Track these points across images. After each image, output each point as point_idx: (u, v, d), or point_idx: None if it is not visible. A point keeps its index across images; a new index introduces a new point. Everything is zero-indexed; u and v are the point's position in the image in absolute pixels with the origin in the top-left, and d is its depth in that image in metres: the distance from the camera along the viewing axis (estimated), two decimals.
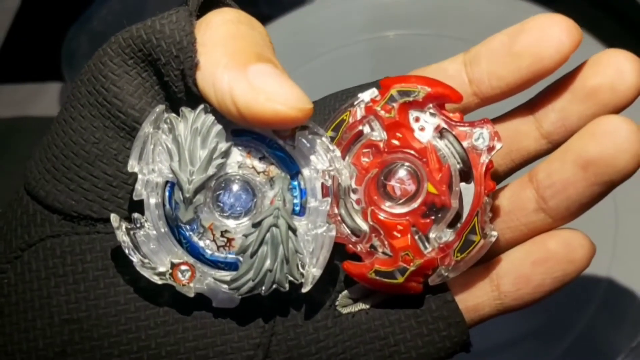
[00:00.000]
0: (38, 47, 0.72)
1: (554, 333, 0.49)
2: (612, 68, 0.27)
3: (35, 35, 0.73)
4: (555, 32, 0.26)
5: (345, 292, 0.29)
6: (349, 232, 0.28)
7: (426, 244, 0.27)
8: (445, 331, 0.28)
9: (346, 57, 0.62)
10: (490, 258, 0.28)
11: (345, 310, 0.28)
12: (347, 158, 0.28)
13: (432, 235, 0.27)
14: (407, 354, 0.28)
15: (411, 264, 0.27)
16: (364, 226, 0.28)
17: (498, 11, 0.61)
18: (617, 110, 0.27)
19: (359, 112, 0.28)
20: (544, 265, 0.27)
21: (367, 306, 0.28)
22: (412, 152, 0.27)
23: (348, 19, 0.64)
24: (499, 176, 0.29)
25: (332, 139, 0.28)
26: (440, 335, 0.28)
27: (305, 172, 0.27)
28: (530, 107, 0.29)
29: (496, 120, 0.29)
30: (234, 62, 0.25)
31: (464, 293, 0.28)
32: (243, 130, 0.27)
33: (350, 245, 0.28)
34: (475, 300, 0.28)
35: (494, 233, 0.27)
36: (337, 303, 0.28)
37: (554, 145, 0.28)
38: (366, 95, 0.28)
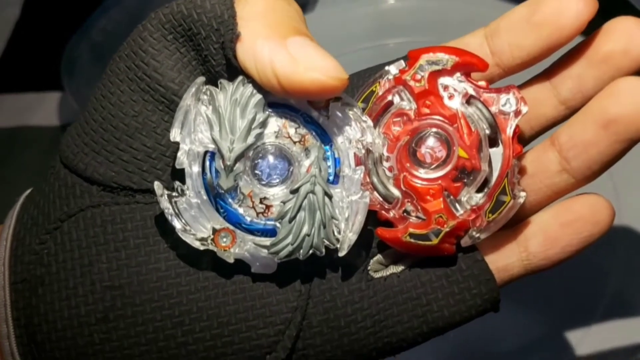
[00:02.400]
0: (38, 56, 0.73)
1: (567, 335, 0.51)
2: (624, 33, 0.29)
3: (35, 45, 0.74)
4: (572, 3, 0.28)
5: (376, 257, 0.30)
6: (382, 199, 0.29)
7: (458, 206, 0.29)
8: (475, 289, 0.29)
9: (347, 65, 0.64)
10: (516, 221, 0.30)
11: (377, 275, 0.30)
12: (378, 127, 0.30)
13: (463, 198, 0.29)
14: (439, 313, 0.29)
15: (445, 225, 0.28)
16: (396, 192, 0.29)
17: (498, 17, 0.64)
18: (631, 72, 0.29)
19: (388, 83, 0.30)
20: (572, 227, 0.29)
21: (399, 270, 0.30)
22: (442, 118, 0.29)
23: (348, 28, 0.65)
24: (520, 140, 0.31)
25: (362, 109, 0.30)
26: (471, 293, 0.29)
27: (339, 141, 0.29)
28: (547, 75, 0.31)
29: None
30: (274, 35, 0.27)
31: (493, 254, 0.30)
32: (278, 103, 0.29)
33: (383, 212, 0.29)
34: (504, 260, 0.30)
35: (523, 193, 0.28)
36: (369, 268, 0.30)
37: (571, 111, 0.30)
38: (394, 68, 0.30)
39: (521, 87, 0.31)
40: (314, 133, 0.29)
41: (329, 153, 0.29)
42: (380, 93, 0.29)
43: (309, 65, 0.26)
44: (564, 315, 0.51)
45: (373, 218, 0.29)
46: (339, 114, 0.29)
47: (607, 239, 0.30)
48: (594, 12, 0.28)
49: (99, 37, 0.72)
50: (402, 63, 0.30)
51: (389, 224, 0.29)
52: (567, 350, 0.50)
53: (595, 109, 0.29)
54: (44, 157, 0.66)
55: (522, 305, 0.50)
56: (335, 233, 0.28)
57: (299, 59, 0.26)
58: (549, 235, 0.30)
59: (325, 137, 0.29)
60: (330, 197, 0.28)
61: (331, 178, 0.29)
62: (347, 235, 0.28)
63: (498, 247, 0.30)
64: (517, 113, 0.28)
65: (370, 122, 0.29)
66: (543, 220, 0.30)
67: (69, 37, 0.69)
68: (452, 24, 0.64)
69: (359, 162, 0.29)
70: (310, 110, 0.29)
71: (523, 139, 0.31)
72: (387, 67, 0.30)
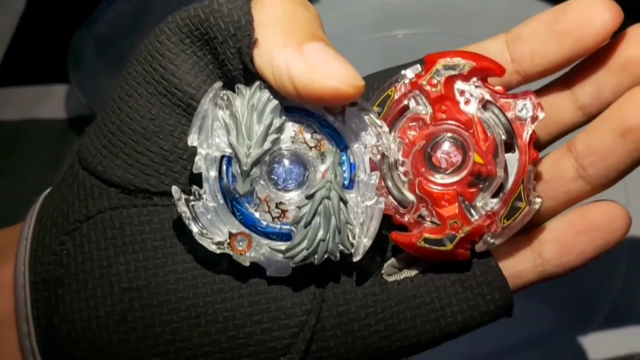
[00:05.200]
0: (44, 49, 0.74)
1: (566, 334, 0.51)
2: None
3: (41, 38, 0.75)
4: (598, 13, 0.29)
5: (390, 261, 0.31)
6: (396, 203, 0.30)
7: (473, 211, 0.30)
8: (489, 295, 0.30)
9: (353, 57, 0.64)
10: (530, 227, 0.31)
11: (391, 279, 0.31)
12: (393, 132, 0.30)
13: (478, 203, 0.30)
14: (453, 318, 0.30)
15: (460, 231, 0.29)
16: (411, 197, 0.30)
17: (506, 9, 0.63)
18: None
19: (404, 87, 0.30)
20: (587, 234, 0.30)
21: (413, 274, 0.31)
22: (458, 124, 0.30)
23: (355, 19, 0.66)
24: (537, 146, 0.32)
25: (378, 114, 0.30)
26: (485, 299, 0.30)
27: (355, 146, 0.30)
28: (566, 80, 0.31)
29: None
30: (291, 41, 0.28)
31: (507, 260, 0.31)
32: (295, 107, 0.29)
33: (398, 216, 0.30)
34: (518, 267, 0.31)
35: (538, 200, 0.29)
36: (382, 272, 0.31)
37: (589, 117, 0.31)
38: (410, 72, 0.30)
39: (539, 92, 0.32)
40: (329, 138, 0.30)
41: (344, 158, 0.30)
42: (396, 97, 0.30)
43: (326, 72, 0.27)
44: (567, 313, 0.52)
45: (387, 222, 0.30)
46: (355, 119, 0.30)
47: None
48: (619, 22, 0.29)
49: (105, 30, 0.73)
50: (418, 67, 0.30)
51: (403, 227, 0.30)
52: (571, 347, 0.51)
53: (613, 117, 0.29)
54: (51, 149, 0.67)
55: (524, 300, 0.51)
56: (350, 238, 0.29)
57: (316, 66, 0.27)
58: (564, 242, 0.30)
59: (341, 141, 0.30)
60: (345, 202, 0.29)
61: (346, 183, 0.30)
62: (361, 240, 0.29)
63: (512, 253, 0.31)
64: (534, 119, 0.29)
65: (385, 128, 0.30)
66: (558, 227, 0.31)
67: (74, 30, 0.70)
68: (460, 14, 0.64)
69: (374, 167, 0.30)
70: (326, 114, 0.29)
71: (540, 143, 0.32)
72: (403, 71, 0.30)
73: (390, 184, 0.30)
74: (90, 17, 0.71)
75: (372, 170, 0.30)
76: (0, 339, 0.32)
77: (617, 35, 0.30)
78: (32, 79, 0.72)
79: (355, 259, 0.29)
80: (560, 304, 0.52)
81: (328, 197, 0.29)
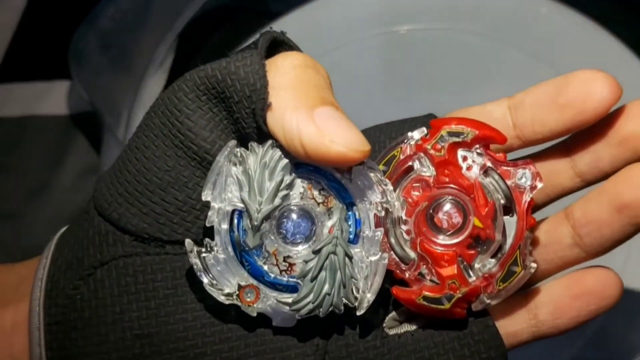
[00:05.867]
0: (46, 45, 0.74)
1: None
2: None
3: (42, 34, 0.75)
4: (598, 88, 0.30)
5: (391, 314, 0.32)
6: (398, 259, 0.32)
7: (471, 272, 0.31)
8: (485, 353, 0.32)
9: (357, 52, 0.64)
10: (526, 286, 0.32)
11: (391, 332, 0.32)
12: (397, 191, 0.32)
13: (476, 265, 0.31)
14: None
15: (457, 291, 0.31)
16: (413, 255, 0.32)
17: (512, 4, 0.63)
18: None
19: (409, 149, 0.32)
20: (581, 299, 0.32)
21: (413, 328, 0.32)
22: (460, 188, 0.31)
23: (359, 15, 0.65)
24: (535, 207, 0.33)
25: (383, 172, 0.32)
26: (481, 357, 0.32)
27: (360, 203, 0.31)
28: (566, 147, 0.33)
29: (533, 157, 0.33)
30: (302, 105, 0.29)
31: (503, 319, 0.32)
32: (304, 163, 0.31)
33: (399, 272, 0.32)
34: (514, 327, 0.32)
35: (534, 265, 0.31)
36: (384, 325, 0.32)
37: (586, 184, 0.33)
38: (416, 134, 0.32)
39: (540, 155, 0.33)
40: (336, 193, 0.31)
41: (350, 213, 0.31)
42: (401, 157, 0.32)
43: (334, 137, 0.29)
44: None
45: (389, 276, 0.32)
46: (362, 177, 0.31)
47: None
48: (618, 98, 0.31)
49: (107, 26, 0.72)
50: (424, 130, 0.32)
51: (404, 282, 0.32)
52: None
53: (611, 191, 0.31)
54: (53, 146, 0.67)
55: None
56: (354, 292, 0.31)
57: (325, 131, 0.29)
58: (559, 305, 0.32)
59: (347, 197, 0.31)
60: (350, 257, 0.31)
61: (352, 237, 0.31)
62: (365, 295, 0.31)
63: (509, 313, 0.33)
64: (533, 188, 0.31)
65: (390, 186, 0.31)
66: (554, 291, 0.32)
67: (76, 26, 0.69)
68: (463, 10, 0.64)
69: (378, 223, 0.31)
70: (334, 172, 0.31)
71: (537, 204, 0.33)
72: (409, 133, 0.32)
73: (393, 240, 0.32)
74: (93, 12, 0.70)
75: (376, 226, 0.31)
76: None
77: (617, 109, 0.31)
78: (34, 75, 0.72)
79: (359, 312, 0.31)
80: None
81: (334, 253, 0.30)
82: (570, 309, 0.32)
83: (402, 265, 0.32)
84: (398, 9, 0.65)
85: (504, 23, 0.63)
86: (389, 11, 0.65)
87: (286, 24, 0.64)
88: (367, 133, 0.35)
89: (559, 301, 0.32)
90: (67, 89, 0.71)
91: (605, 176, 0.32)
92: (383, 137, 0.34)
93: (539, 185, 0.31)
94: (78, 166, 0.65)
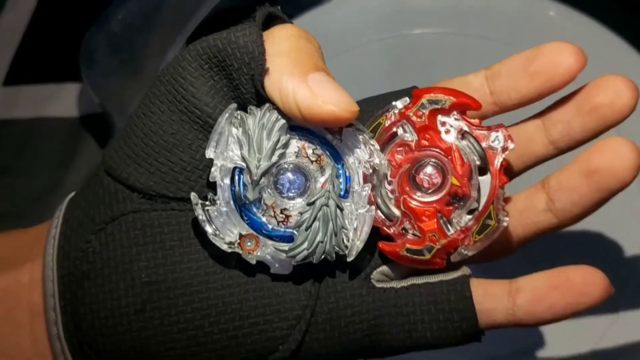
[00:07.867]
0: (56, 47, 0.74)
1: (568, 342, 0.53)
2: (611, 89, 0.34)
3: (52, 36, 0.75)
4: (565, 57, 0.34)
5: (380, 268, 0.36)
6: (384, 217, 0.35)
7: (449, 227, 0.35)
8: (457, 322, 0.34)
9: (364, 56, 0.65)
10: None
11: (378, 285, 0.36)
12: (383, 154, 0.36)
13: (454, 220, 0.35)
14: (423, 334, 0.34)
15: (437, 243, 0.34)
16: (397, 212, 0.35)
17: (520, 7, 0.65)
18: (614, 124, 0.35)
19: (394, 116, 0.36)
20: (559, 290, 0.33)
21: (398, 286, 0.35)
22: (439, 150, 0.35)
23: (366, 18, 0.67)
24: (512, 174, 0.37)
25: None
26: (454, 325, 0.34)
27: (350, 161, 0.35)
28: (541, 116, 0.37)
29: (510, 127, 0.37)
30: (297, 71, 0.33)
31: (482, 295, 0.34)
32: (299, 127, 0.35)
33: (385, 228, 0.35)
34: (490, 304, 0.34)
35: (506, 219, 0.34)
36: (372, 277, 0.36)
37: (560, 151, 0.36)
38: (399, 103, 0.36)
39: (517, 124, 0.37)
40: (328, 153, 0.35)
41: (341, 171, 0.35)
42: (386, 125, 0.35)
43: (326, 99, 0.32)
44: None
45: (376, 232, 0.35)
46: (351, 138, 0.35)
47: None
48: (583, 66, 0.34)
49: (117, 28, 0.71)
50: (407, 100, 0.35)
51: (390, 238, 0.35)
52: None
53: (582, 160, 0.34)
54: (63, 148, 0.68)
55: None
56: (345, 241, 0.34)
57: (318, 93, 0.32)
58: (537, 292, 0.33)
59: (338, 157, 0.35)
60: (341, 209, 0.34)
61: (342, 193, 0.35)
62: (355, 243, 0.34)
63: (489, 291, 0.34)
64: (505, 149, 0.34)
65: (377, 146, 0.35)
66: (537, 280, 0.34)
67: (86, 28, 0.69)
68: (470, 13, 0.65)
69: (366, 180, 0.35)
70: (326, 133, 0.35)
71: (516, 171, 0.37)
72: (394, 102, 0.36)
73: (379, 200, 0.35)
74: (103, 15, 0.70)
75: (364, 182, 0.35)
76: (31, 327, 0.37)
77: (588, 83, 0.35)
78: (43, 77, 0.72)
79: (349, 259, 0.34)
80: None
81: (327, 205, 0.34)
82: (547, 298, 0.33)
83: (388, 222, 0.35)
84: (405, 12, 0.66)
85: (513, 26, 0.64)
86: (396, 15, 0.66)
87: None
88: (359, 104, 0.38)
89: (538, 288, 0.33)
90: (76, 91, 0.72)
91: (576, 144, 0.36)
92: (372, 107, 0.38)
93: (511, 146, 0.34)
94: (87, 168, 0.66)
